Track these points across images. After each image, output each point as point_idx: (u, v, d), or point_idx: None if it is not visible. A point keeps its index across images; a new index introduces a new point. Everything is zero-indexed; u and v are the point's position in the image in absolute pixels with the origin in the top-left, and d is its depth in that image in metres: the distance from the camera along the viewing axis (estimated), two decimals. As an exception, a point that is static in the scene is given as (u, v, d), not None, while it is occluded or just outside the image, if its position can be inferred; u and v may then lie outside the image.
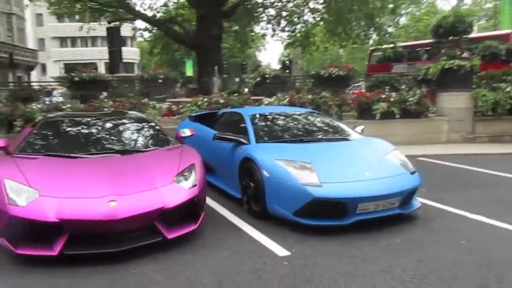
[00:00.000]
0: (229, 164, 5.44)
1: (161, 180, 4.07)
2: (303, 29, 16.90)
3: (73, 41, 58.27)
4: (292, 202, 4.31)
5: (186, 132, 5.56)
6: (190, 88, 19.70)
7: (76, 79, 12.07)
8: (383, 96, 9.91)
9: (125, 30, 24.15)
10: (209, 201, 5.16)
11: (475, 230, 4.42)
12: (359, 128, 6.06)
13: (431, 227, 4.48)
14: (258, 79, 12.39)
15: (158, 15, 20.05)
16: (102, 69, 40.89)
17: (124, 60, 53.21)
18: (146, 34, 21.76)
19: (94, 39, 55.10)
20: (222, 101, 9.50)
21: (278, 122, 5.82)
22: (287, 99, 9.60)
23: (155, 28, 19.57)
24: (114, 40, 20.59)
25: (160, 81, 12.33)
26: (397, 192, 4.40)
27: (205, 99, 9.54)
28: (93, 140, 4.86)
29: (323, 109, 9.58)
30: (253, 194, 4.79)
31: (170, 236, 3.89)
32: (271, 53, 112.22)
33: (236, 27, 22.53)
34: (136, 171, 4.19)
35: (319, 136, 5.49)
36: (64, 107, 9.40)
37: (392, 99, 9.73)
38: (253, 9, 19.65)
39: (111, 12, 17.40)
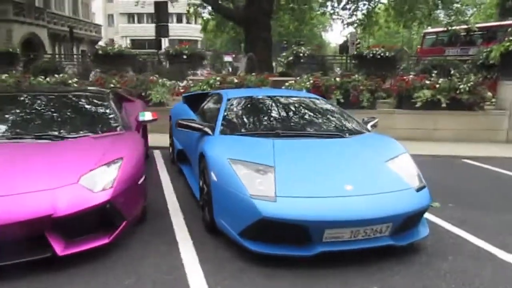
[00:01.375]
0: (194, 158, 4.42)
1: (63, 179, 3.13)
2: (366, 7, 15.41)
3: (140, 17, 59.50)
4: (238, 219, 3.20)
5: (147, 116, 4.61)
6: (234, 66, 18.93)
7: (100, 52, 11.52)
8: (428, 81, 8.24)
9: (182, 6, 24.05)
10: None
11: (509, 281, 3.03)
12: (371, 122, 4.73)
13: (435, 269, 3.15)
14: (291, 58, 11.07)
15: None
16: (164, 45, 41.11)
17: (185, 37, 53.74)
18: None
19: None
20: (236, 80, 8.41)
21: (262, 108, 4.64)
22: (311, 81, 8.29)
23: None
24: (161, 16, 20.17)
25: (185, 57, 11.41)
26: (387, 216, 3.12)
27: (218, 78, 8.50)
28: (16, 122, 4.03)
29: (352, 94, 8.17)
30: (206, 200, 3.74)
31: (64, 252, 2.96)
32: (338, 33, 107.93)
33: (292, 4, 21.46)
34: (38, 164, 3.28)
35: (306, 130, 4.25)
36: (70, 81, 8.83)
37: (438, 86, 8.05)
38: None
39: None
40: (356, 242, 3.10)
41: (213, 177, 3.45)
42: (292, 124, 4.34)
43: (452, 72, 8.66)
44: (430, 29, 20.59)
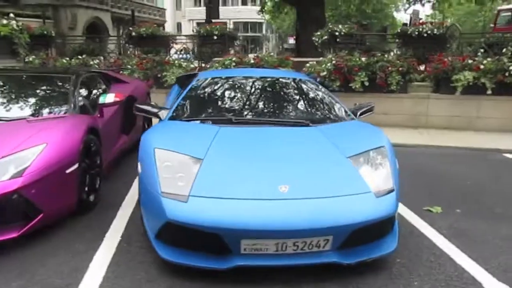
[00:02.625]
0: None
1: (-31, 165, 2.87)
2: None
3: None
4: (152, 220, 2.75)
5: (108, 98, 4.24)
6: (284, 48, 18.29)
7: (134, 34, 11.45)
8: (471, 61, 7.09)
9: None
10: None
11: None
12: (362, 108, 4.00)
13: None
14: (326, 37, 10.19)
15: None
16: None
17: (250, 20, 53.57)
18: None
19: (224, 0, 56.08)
20: (253, 61, 7.84)
21: (230, 91, 4.08)
22: (333, 61, 7.49)
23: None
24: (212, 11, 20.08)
25: (215, 37, 10.97)
26: (324, 228, 2.48)
27: (234, 59, 7.98)
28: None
29: (379, 76, 7.26)
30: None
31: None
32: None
33: None
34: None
35: (267, 116, 3.63)
36: (92, 63, 8.81)
37: (482, 67, 6.89)
38: None
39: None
40: (286, 257, 2.51)
41: (139, 168, 3.00)
42: (255, 109, 3.75)
43: (504, 50, 7.35)
44: (505, 6, 18.41)
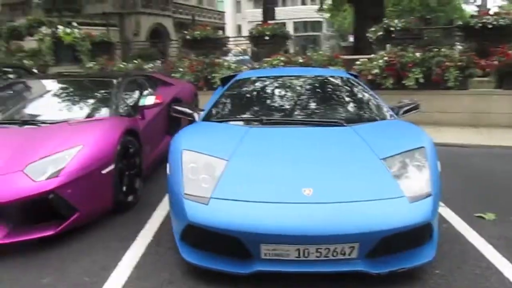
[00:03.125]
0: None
1: (10, 166, 3.08)
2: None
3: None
4: (177, 222, 2.74)
5: (148, 100, 4.33)
6: (342, 46, 17.97)
7: (188, 37, 11.74)
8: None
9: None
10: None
11: None
12: (405, 107, 3.76)
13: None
14: (380, 33, 9.77)
15: None
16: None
17: (310, 19, 53.09)
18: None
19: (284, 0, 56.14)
20: (301, 60, 7.70)
21: (265, 90, 3.99)
22: (385, 58, 7.14)
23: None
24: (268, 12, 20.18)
25: (267, 38, 10.94)
26: (349, 234, 2.33)
27: (282, 58, 7.89)
28: (13, 107, 4.13)
29: (435, 72, 6.82)
30: None
31: (5, 240, 2.93)
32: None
33: None
34: (-1, 151, 3.25)
35: (300, 116, 3.50)
36: (145, 66, 9.13)
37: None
38: None
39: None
40: (309, 263, 2.39)
41: (168, 170, 3.02)
42: (287, 108, 3.64)
43: None
44: None
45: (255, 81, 4.12)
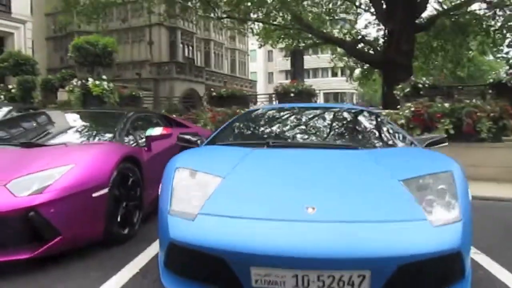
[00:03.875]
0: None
1: (-8, 182, 2.84)
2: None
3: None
4: (162, 243, 2.38)
5: (155, 131, 4.15)
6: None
7: (214, 94, 11.93)
8: None
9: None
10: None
11: None
12: (431, 140, 3.40)
13: None
14: (408, 90, 9.55)
15: (347, 37, 20.38)
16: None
17: (341, 90, 54.14)
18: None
19: (315, 71, 57.84)
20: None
21: (277, 119, 3.73)
22: (412, 108, 6.84)
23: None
24: (296, 68, 20.69)
25: (293, 94, 10.95)
26: (359, 258, 1.91)
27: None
28: (22, 132, 4.05)
29: (466, 123, 6.42)
30: None
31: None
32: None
33: (441, 42, 20.00)
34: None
35: (311, 140, 3.18)
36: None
37: None
38: (465, 22, 17.27)
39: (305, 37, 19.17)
40: (308, 295, 1.96)
41: (160, 187, 2.71)
42: (298, 133, 3.34)
43: None
44: None
45: (266, 112, 3.89)
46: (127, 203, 3.53)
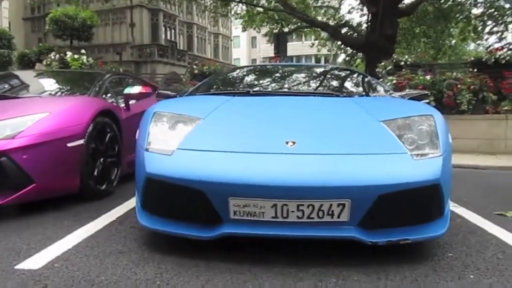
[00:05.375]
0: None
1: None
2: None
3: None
4: (138, 181, 2.30)
5: (134, 89, 4.06)
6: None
7: (197, 71, 11.78)
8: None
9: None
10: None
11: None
12: (412, 95, 3.38)
13: None
14: (390, 68, 9.60)
15: (330, 21, 20.47)
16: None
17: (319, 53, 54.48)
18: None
19: (298, 59, 57.81)
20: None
21: (261, 74, 3.67)
22: (394, 81, 6.87)
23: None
24: (280, 52, 20.59)
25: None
26: (339, 186, 1.88)
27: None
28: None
29: (446, 95, 6.48)
30: None
31: None
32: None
33: (423, 29, 20.19)
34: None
35: (291, 90, 3.14)
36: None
37: None
38: (448, 8, 17.46)
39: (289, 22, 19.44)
40: (289, 226, 1.93)
41: (137, 133, 2.63)
42: (280, 85, 3.29)
43: None
44: None
45: (250, 69, 3.83)
46: (104, 158, 3.44)
